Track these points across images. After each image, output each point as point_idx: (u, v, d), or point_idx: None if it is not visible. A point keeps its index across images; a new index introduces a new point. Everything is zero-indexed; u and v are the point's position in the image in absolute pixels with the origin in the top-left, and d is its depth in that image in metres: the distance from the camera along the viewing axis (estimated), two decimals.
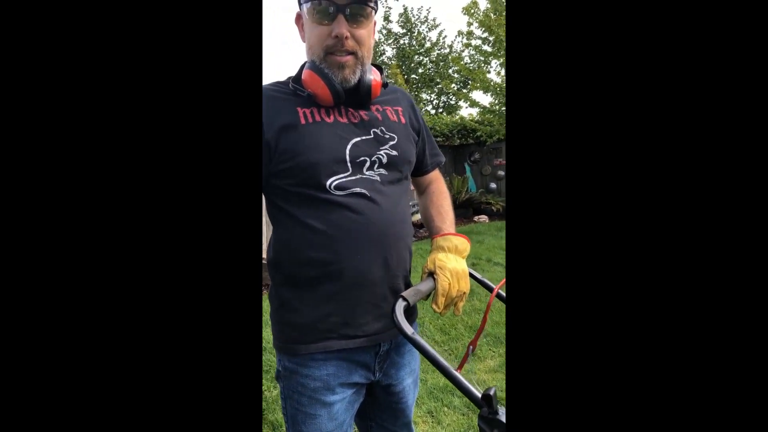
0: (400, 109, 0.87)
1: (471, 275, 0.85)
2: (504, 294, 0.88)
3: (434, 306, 0.77)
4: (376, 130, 0.81)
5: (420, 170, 0.96)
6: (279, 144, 0.74)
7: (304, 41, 0.80)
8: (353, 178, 0.77)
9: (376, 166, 0.79)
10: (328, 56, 0.76)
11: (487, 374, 1.95)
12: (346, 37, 0.74)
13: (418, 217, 6.94)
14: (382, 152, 0.80)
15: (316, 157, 0.74)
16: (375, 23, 0.82)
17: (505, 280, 0.66)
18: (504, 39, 5.96)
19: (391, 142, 0.81)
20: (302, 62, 0.82)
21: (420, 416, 1.65)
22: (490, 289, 0.77)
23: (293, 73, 0.83)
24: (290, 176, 0.75)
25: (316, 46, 0.76)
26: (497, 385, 1.85)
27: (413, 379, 0.91)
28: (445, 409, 1.68)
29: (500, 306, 2.70)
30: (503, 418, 0.56)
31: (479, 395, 0.58)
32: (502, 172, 8.16)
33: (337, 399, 0.79)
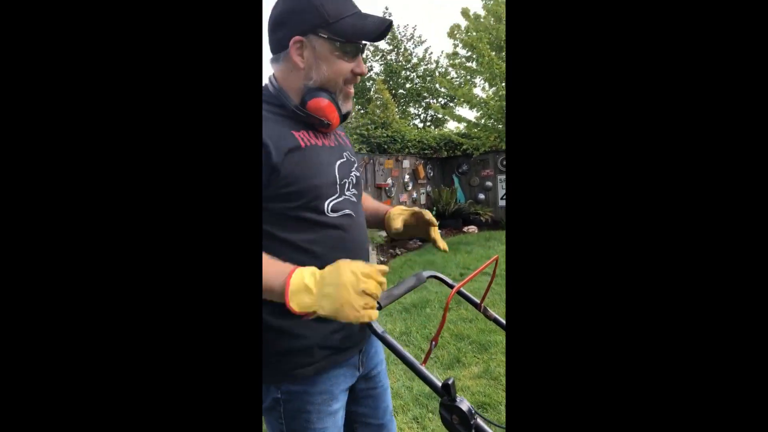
0: (343, 133, 0.97)
1: (437, 277, 0.93)
2: (467, 293, 0.95)
3: (439, 242, 0.95)
4: (346, 152, 0.89)
5: None
6: (284, 167, 0.74)
7: (302, 67, 0.78)
8: (341, 199, 0.83)
9: (351, 186, 0.87)
10: (344, 87, 0.81)
11: (471, 380, 2.00)
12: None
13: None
14: (353, 174, 0.88)
15: (319, 180, 0.78)
16: None
17: (466, 281, 0.73)
18: (485, 54, 6.13)
19: (356, 164, 0.90)
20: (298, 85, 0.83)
21: (405, 422, 1.69)
22: (452, 287, 0.83)
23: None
24: (292, 200, 0.75)
25: (336, 79, 0.79)
26: (481, 390, 1.90)
27: (384, 365, 0.99)
28: (430, 415, 1.72)
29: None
30: (461, 405, 0.62)
31: (440, 384, 0.64)
32: (489, 183, 8.29)
33: (339, 406, 0.84)
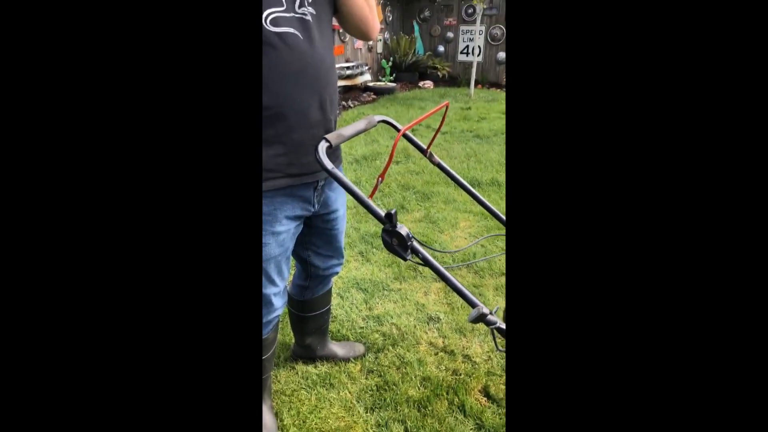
0: None
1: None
2: (414, 139, 0.99)
3: None
4: None
5: None
6: None
7: None
8: (287, 15, 0.75)
9: (306, 3, 0.78)
10: None
11: (413, 223, 2.23)
12: None
13: (362, 79, 6.58)
14: None
15: None
16: None
17: (414, 123, 0.75)
18: None
19: None
20: None
21: (352, 256, 1.90)
22: (397, 129, 0.86)
23: None
24: None
25: None
26: (421, 231, 2.13)
27: (343, 211, 1.07)
28: (374, 250, 1.94)
29: (432, 168, 2.91)
30: (401, 231, 0.71)
31: (383, 214, 0.72)
32: (451, 34, 7.77)
33: (283, 230, 0.90)
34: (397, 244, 0.72)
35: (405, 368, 1.27)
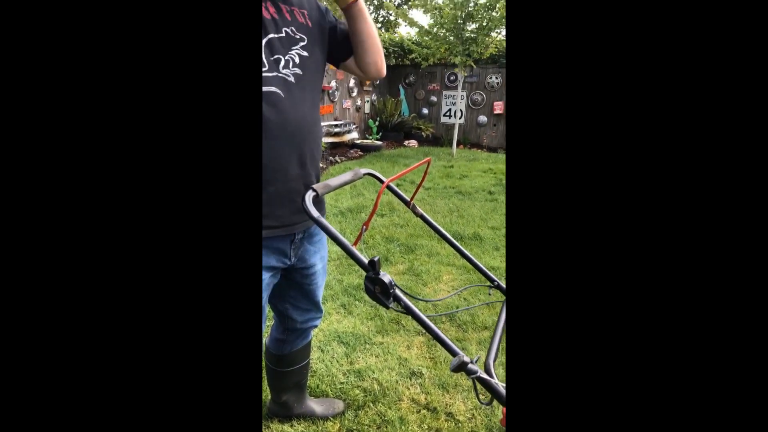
0: (305, 11, 0.91)
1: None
2: (398, 191, 1.03)
3: None
4: (287, 29, 0.85)
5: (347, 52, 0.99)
6: None
7: None
8: (269, 74, 0.81)
9: (292, 65, 0.85)
10: None
11: (397, 275, 2.23)
12: None
13: (349, 137, 6.78)
14: (293, 52, 0.85)
15: None
16: None
17: (398, 176, 0.79)
18: None
19: (302, 43, 0.87)
20: None
21: (335, 308, 1.87)
22: (382, 182, 0.90)
23: None
24: None
25: None
26: (404, 284, 2.13)
27: (323, 265, 1.07)
28: (357, 303, 1.92)
29: (416, 221, 2.96)
30: (383, 278, 0.72)
31: (366, 261, 0.73)
32: (434, 98, 8.24)
33: None
34: (379, 291, 0.73)
35: (386, 427, 1.22)
